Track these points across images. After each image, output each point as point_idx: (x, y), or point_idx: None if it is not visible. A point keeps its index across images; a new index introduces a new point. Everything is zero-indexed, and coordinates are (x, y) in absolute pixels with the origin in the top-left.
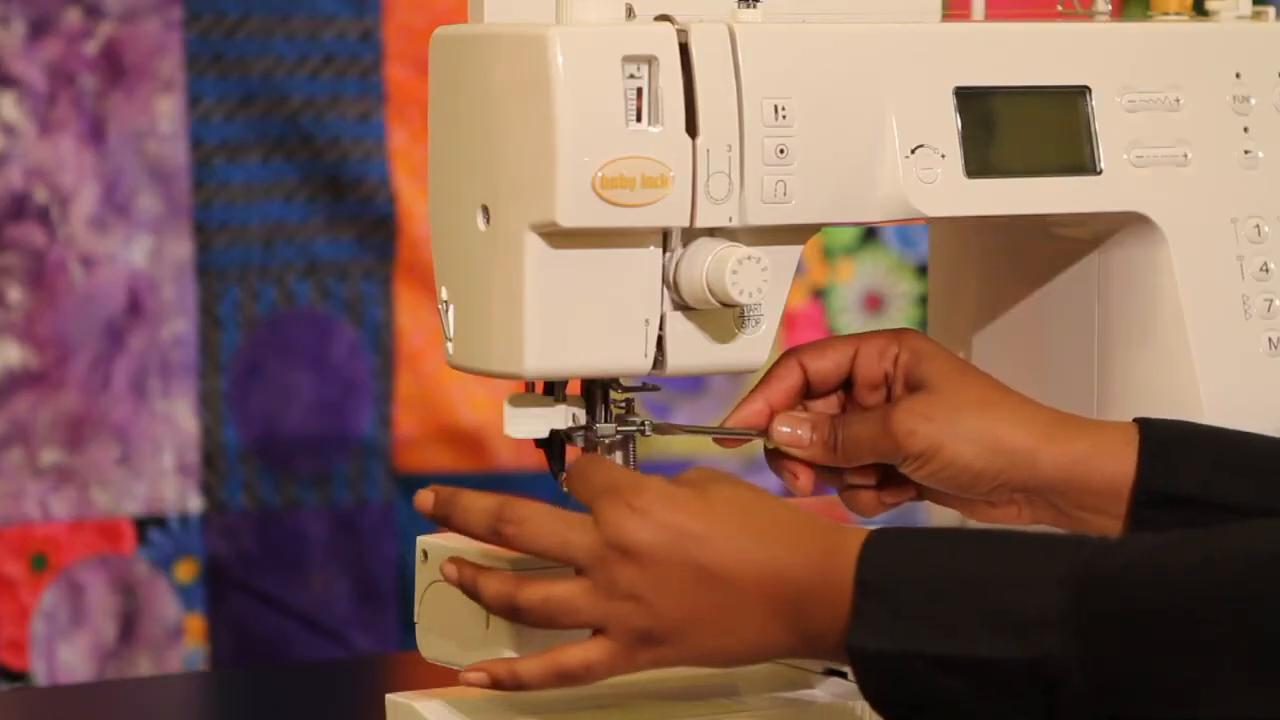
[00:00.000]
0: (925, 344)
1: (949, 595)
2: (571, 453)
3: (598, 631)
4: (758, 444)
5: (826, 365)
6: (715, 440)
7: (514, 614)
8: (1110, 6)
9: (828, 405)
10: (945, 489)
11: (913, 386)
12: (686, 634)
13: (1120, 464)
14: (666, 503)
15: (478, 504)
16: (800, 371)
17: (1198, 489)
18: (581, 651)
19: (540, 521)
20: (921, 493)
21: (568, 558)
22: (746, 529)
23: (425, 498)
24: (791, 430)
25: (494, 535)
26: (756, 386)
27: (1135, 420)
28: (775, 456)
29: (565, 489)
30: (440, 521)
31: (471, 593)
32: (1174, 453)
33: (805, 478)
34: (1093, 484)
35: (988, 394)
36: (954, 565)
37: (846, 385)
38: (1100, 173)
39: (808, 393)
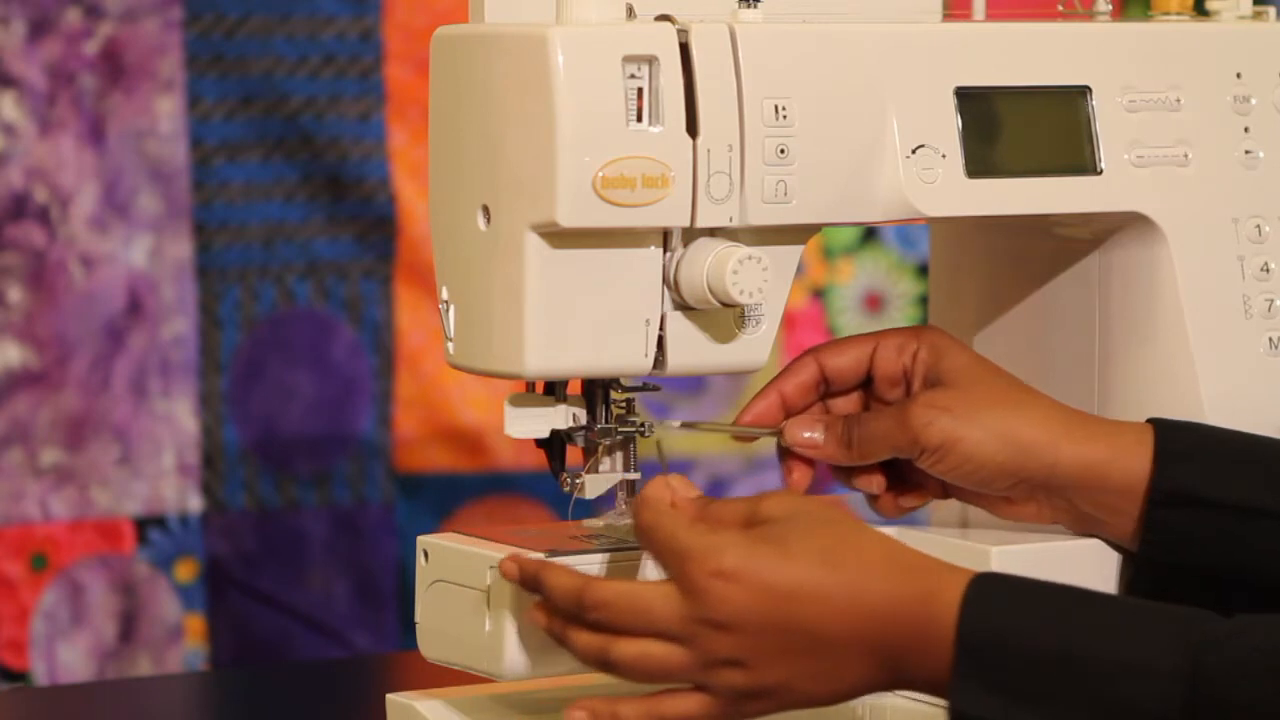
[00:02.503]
0: (945, 340)
1: (1058, 674)
2: (572, 453)
3: (699, 686)
4: (758, 445)
5: (845, 362)
6: (733, 438)
7: (606, 667)
8: (1111, 6)
9: (848, 404)
10: (963, 484)
11: (932, 382)
12: (789, 688)
13: (1136, 464)
14: (749, 566)
15: (561, 584)
16: (816, 368)
17: (1212, 489)
18: (684, 704)
19: (623, 603)
20: (943, 491)
21: (657, 633)
22: (836, 578)
23: (510, 569)
24: (806, 433)
25: (579, 620)
26: (771, 382)
27: (1149, 420)
28: (786, 454)
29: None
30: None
31: (559, 640)
32: (1188, 453)
33: (800, 474)
34: (1110, 483)
35: (1008, 390)
36: (1062, 634)
37: (865, 384)
38: (1101, 173)
39: (827, 391)
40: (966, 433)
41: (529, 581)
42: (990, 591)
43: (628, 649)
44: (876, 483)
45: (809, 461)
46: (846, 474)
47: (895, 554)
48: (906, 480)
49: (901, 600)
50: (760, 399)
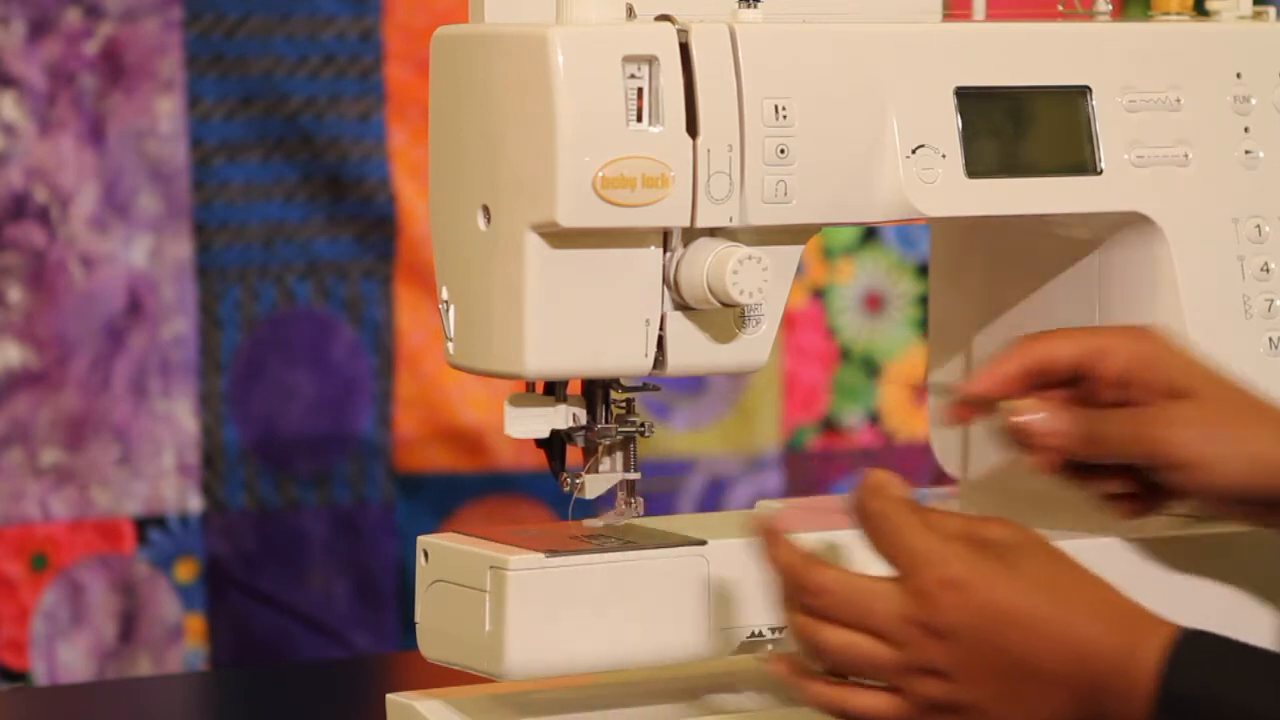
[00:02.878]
0: (1176, 346)
1: None
2: (572, 453)
3: (893, 688)
4: (758, 445)
5: (1066, 355)
6: (949, 417)
7: (812, 648)
8: (1111, 6)
9: (1056, 398)
10: (1202, 498)
11: (1168, 392)
12: (983, 710)
13: None
14: (978, 580)
15: (785, 560)
16: (1037, 355)
17: None
18: (873, 702)
19: (843, 593)
20: (1174, 498)
21: (870, 629)
22: (1056, 612)
23: (758, 527)
24: (1043, 416)
25: (796, 602)
26: (989, 363)
27: None
28: (1015, 434)
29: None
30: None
31: (789, 620)
32: None
33: (1044, 460)
34: None
35: (1252, 404)
36: (1268, 696)
37: (1072, 380)
38: (1101, 173)
39: (1040, 383)
40: (1212, 450)
41: (761, 544)
42: (1201, 648)
43: (836, 637)
44: (1122, 484)
45: (1040, 447)
46: (1076, 468)
47: (1110, 598)
48: (1141, 481)
49: (1110, 646)
50: (980, 379)
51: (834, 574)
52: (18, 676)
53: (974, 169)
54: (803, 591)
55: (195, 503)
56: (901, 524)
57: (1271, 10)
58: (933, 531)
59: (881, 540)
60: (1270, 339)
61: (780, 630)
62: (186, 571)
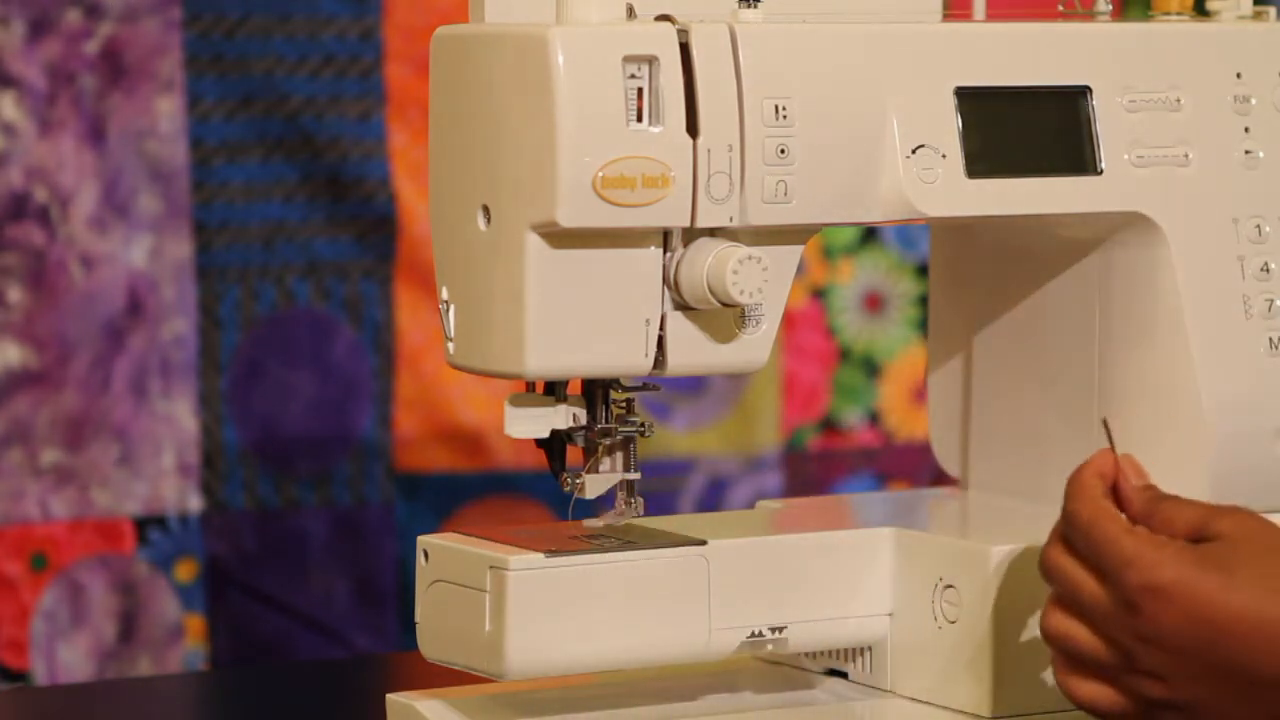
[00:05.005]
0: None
1: None
2: (572, 453)
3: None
4: (758, 445)
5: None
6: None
7: (1043, 629)
8: (1111, 6)
9: None
10: None
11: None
12: (1207, 708)
13: None
14: (1187, 588)
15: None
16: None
17: None
18: (1094, 692)
19: (1065, 584)
20: None
21: (1078, 605)
22: (1273, 613)
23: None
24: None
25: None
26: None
27: None
28: None
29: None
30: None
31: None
32: None
33: None
34: None
35: None
36: None
37: None
38: (1101, 173)
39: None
40: None
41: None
42: None
43: (1056, 623)
44: None
45: None
46: None
47: None
48: None
49: None
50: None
51: (1053, 555)
52: (18, 676)
53: (974, 169)
54: (1042, 568)
55: (195, 503)
56: (1111, 529)
57: (1271, 10)
58: (1147, 531)
59: (1092, 546)
60: (1270, 339)
61: (780, 630)
62: (186, 571)
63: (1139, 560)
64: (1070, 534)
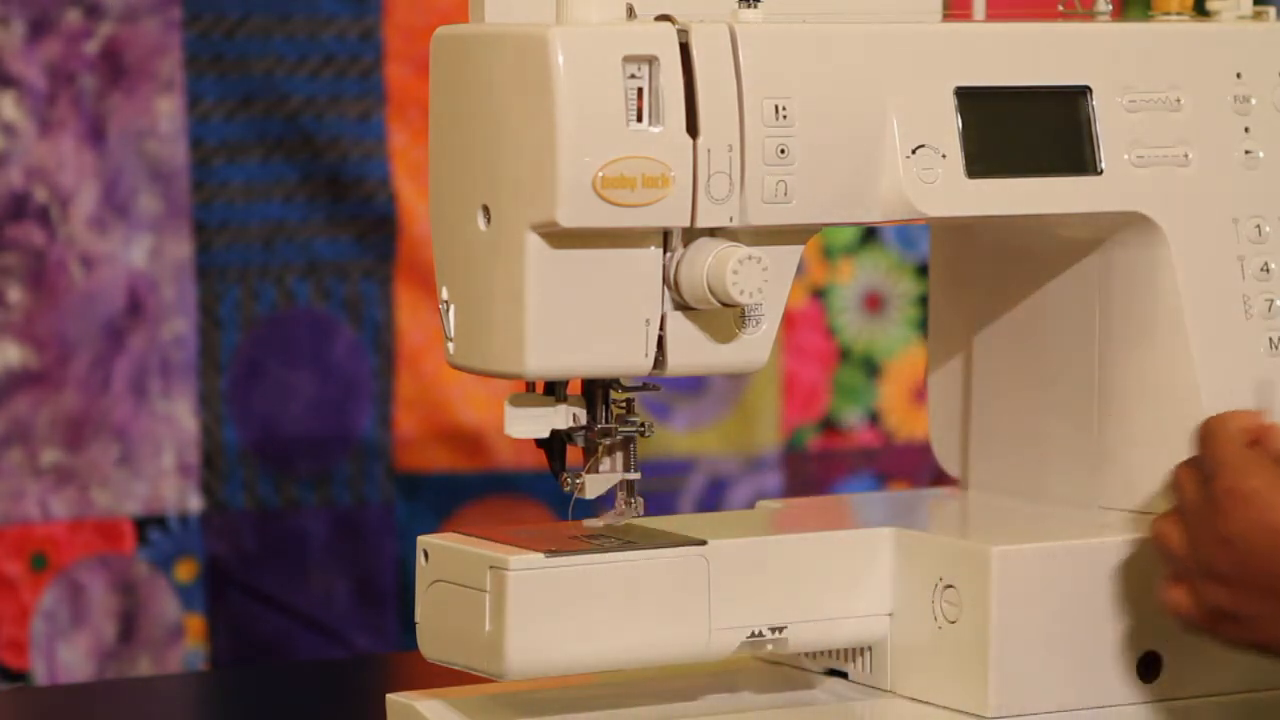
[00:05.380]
0: None
1: None
2: (572, 453)
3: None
4: (758, 445)
5: None
6: None
7: (1154, 521)
8: (1111, 6)
9: None
10: None
11: None
12: (1265, 624)
13: None
14: (1267, 495)
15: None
16: None
17: None
18: (1174, 596)
19: (1176, 483)
20: None
21: (1180, 507)
22: None
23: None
24: None
25: None
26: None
27: None
28: None
29: None
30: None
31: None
32: None
33: None
34: None
35: None
36: None
37: None
38: (1101, 173)
39: None
40: None
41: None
42: None
43: (1159, 524)
44: None
45: None
46: None
47: None
48: None
49: None
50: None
51: (1184, 470)
52: (18, 676)
53: (974, 169)
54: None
55: (195, 503)
56: (1226, 437)
57: (1271, 10)
58: (1251, 449)
59: (1204, 447)
60: (1270, 339)
61: (780, 630)
62: (186, 571)
63: (1232, 465)
64: (1196, 445)
